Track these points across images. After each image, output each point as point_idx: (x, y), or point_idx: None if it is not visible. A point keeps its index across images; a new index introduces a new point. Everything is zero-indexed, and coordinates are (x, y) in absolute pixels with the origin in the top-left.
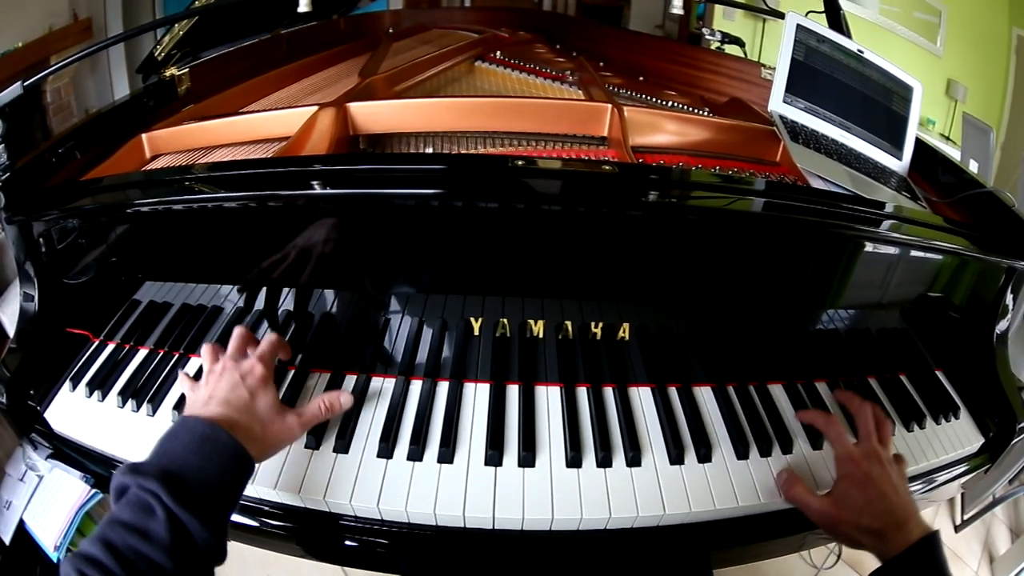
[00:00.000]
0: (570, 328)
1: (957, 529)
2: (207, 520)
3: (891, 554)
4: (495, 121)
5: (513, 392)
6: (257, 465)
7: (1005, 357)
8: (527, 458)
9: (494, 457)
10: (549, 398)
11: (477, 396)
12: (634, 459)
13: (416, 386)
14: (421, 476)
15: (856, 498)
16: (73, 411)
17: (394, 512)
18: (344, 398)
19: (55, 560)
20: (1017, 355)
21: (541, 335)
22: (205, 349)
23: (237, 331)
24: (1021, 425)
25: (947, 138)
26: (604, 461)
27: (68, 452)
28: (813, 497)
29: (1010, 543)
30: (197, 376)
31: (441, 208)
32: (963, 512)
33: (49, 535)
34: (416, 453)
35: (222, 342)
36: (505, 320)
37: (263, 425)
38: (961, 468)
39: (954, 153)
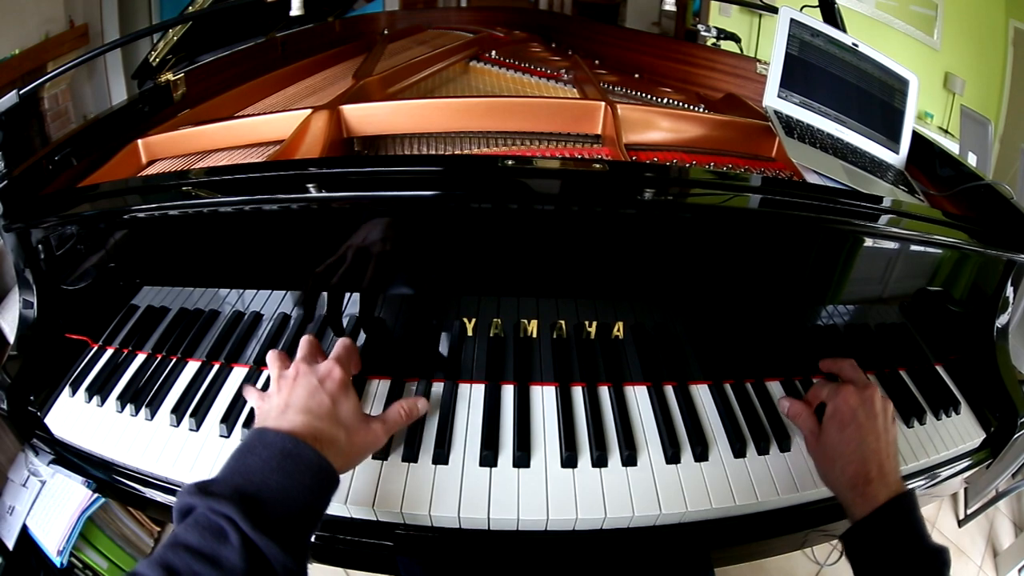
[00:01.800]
0: (564, 327)
1: (960, 524)
2: (288, 545)
3: (858, 515)
4: (489, 121)
5: (508, 392)
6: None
7: (1006, 351)
8: (522, 458)
9: (489, 457)
10: (544, 398)
11: (472, 396)
12: (630, 458)
13: (411, 387)
14: (416, 477)
15: (834, 434)
16: (73, 416)
17: (390, 513)
18: (421, 403)
19: (58, 565)
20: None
21: (535, 335)
22: (272, 356)
23: (306, 337)
24: (1022, 420)
25: (945, 131)
26: (599, 460)
27: (69, 457)
28: (811, 424)
29: (1014, 537)
30: (265, 386)
31: (434, 209)
32: (966, 507)
33: (52, 540)
34: (411, 455)
35: (218, 346)
36: (499, 320)
37: (348, 433)
38: (963, 463)
39: (952, 146)
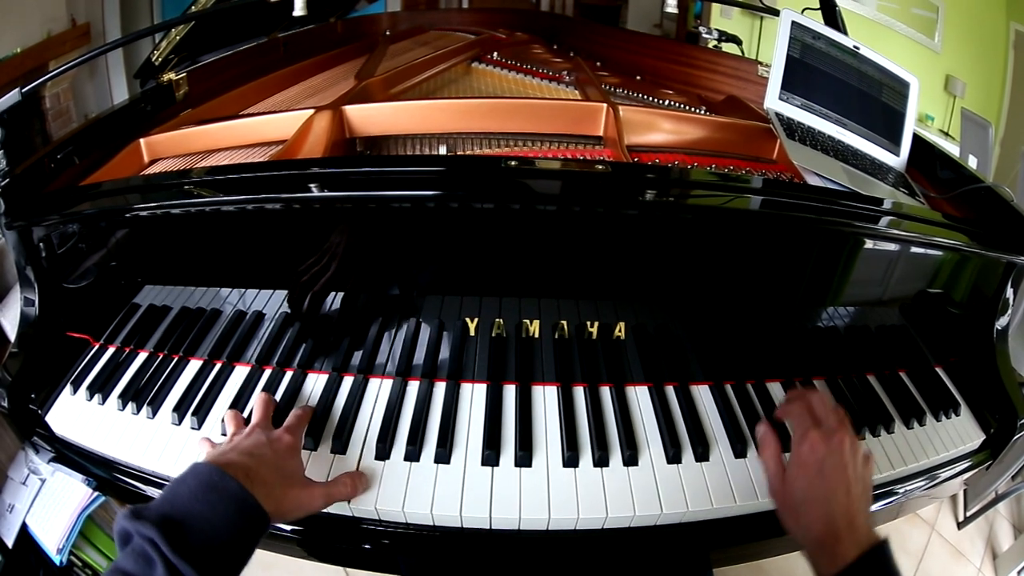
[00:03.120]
0: (566, 327)
1: (960, 526)
2: (209, 573)
3: (825, 574)
4: (491, 122)
5: (510, 392)
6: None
7: (1005, 353)
8: (524, 458)
9: (491, 457)
10: (546, 398)
11: (474, 396)
12: (631, 458)
13: (413, 387)
14: (418, 477)
15: (800, 489)
16: (74, 414)
17: (391, 512)
18: (364, 479)
19: (58, 563)
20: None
21: (537, 335)
22: (228, 415)
23: (262, 396)
24: (1022, 421)
25: (946, 134)
26: (601, 460)
27: (70, 455)
28: (775, 468)
29: (1013, 539)
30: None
31: (436, 209)
32: (966, 509)
33: (52, 538)
34: (413, 454)
35: (220, 345)
36: (501, 320)
37: (283, 484)
38: (963, 465)
39: (953, 149)
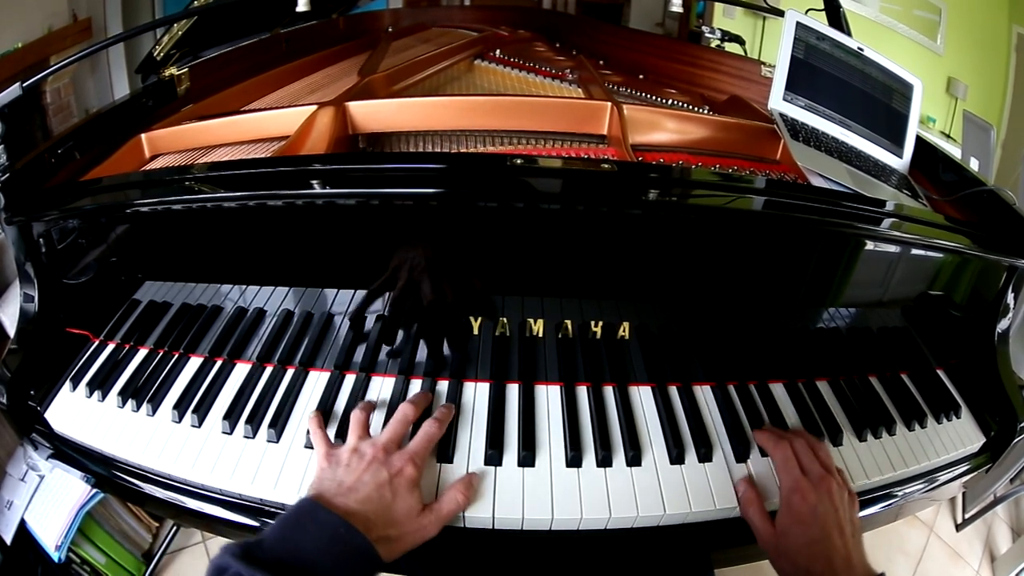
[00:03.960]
0: (570, 327)
1: (958, 528)
2: None
3: None
4: (494, 120)
5: (513, 391)
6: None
7: (1006, 356)
8: (527, 457)
9: (494, 456)
10: (549, 397)
11: (477, 395)
12: (634, 458)
13: (416, 385)
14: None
15: (796, 536)
16: (73, 411)
17: None
18: (474, 479)
19: (56, 560)
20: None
21: (541, 334)
22: (355, 419)
23: (401, 416)
24: (1022, 424)
25: (948, 136)
26: (604, 461)
27: (69, 452)
28: (763, 521)
29: (1011, 542)
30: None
31: (439, 207)
32: (964, 511)
33: (50, 535)
34: None
35: (221, 342)
36: (505, 319)
37: (399, 528)
38: (962, 467)
39: (955, 151)
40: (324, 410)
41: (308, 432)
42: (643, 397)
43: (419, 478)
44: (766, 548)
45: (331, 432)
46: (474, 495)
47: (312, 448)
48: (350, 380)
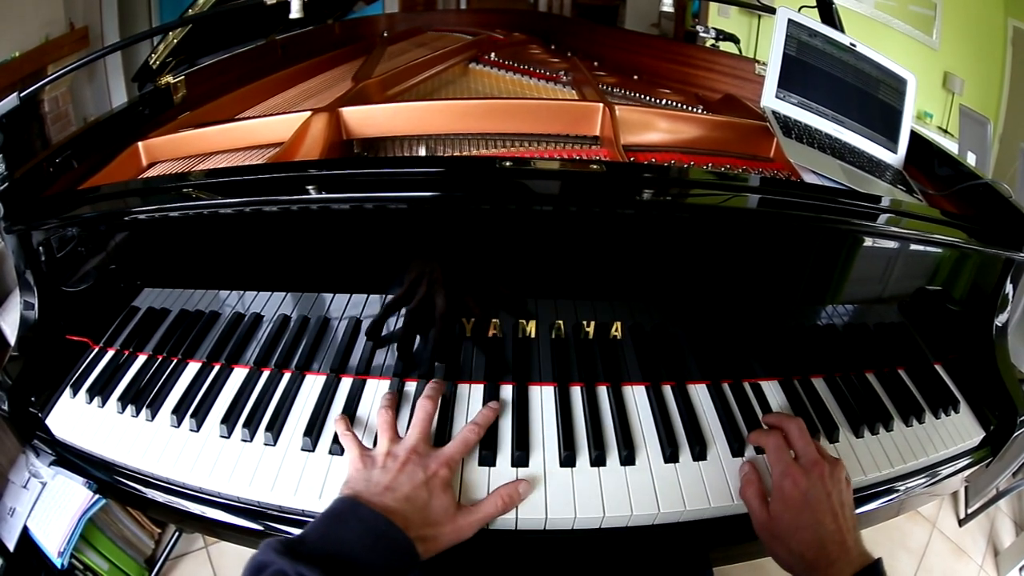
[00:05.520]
0: (563, 327)
1: (961, 523)
2: None
3: None
4: (488, 123)
5: (507, 392)
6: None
7: (1005, 350)
8: (521, 457)
9: (488, 457)
10: (543, 398)
11: (471, 396)
12: (628, 457)
13: (411, 388)
14: None
15: (788, 521)
16: (74, 417)
17: None
18: (523, 487)
19: (59, 566)
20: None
21: (534, 335)
22: (383, 422)
23: (423, 414)
24: (1022, 418)
25: (945, 131)
26: (598, 460)
27: (70, 458)
28: (758, 505)
29: (1014, 536)
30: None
31: (432, 210)
32: (967, 506)
33: (53, 541)
34: None
35: (219, 347)
36: (497, 320)
37: (436, 528)
38: (963, 462)
39: (952, 146)
40: (320, 412)
41: (335, 435)
42: (637, 396)
43: (452, 479)
44: (760, 534)
45: (328, 437)
46: (517, 503)
47: (310, 451)
48: (346, 383)
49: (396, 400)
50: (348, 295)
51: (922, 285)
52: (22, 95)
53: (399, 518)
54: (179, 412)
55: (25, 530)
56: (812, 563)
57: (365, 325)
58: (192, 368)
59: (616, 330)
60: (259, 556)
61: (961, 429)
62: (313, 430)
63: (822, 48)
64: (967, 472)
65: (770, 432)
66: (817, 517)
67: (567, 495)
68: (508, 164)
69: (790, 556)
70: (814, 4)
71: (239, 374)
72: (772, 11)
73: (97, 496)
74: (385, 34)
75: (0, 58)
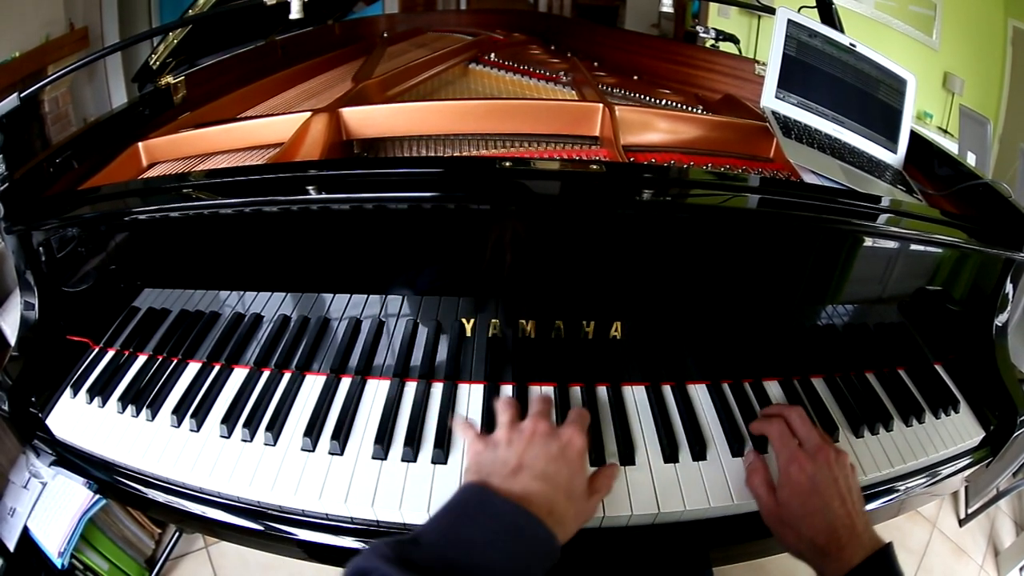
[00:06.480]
0: (562, 327)
1: (962, 523)
2: None
3: None
4: (488, 123)
5: (507, 392)
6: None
7: (1005, 349)
8: None
9: None
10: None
11: (471, 397)
12: (627, 457)
13: (411, 388)
14: (415, 478)
15: (796, 507)
16: (74, 417)
17: (389, 514)
18: (615, 470)
19: (59, 566)
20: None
21: (533, 335)
22: (502, 402)
23: (543, 396)
24: (1022, 418)
25: (945, 131)
26: (597, 460)
27: (70, 458)
28: (766, 493)
29: (1015, 536)
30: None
31: (432, 210)
32: (967, 506)
33: (53, 541)
34: (410, 455)
35: (219, 347)
36: (497, 320)
37: (576, 508)
38: (963, 462)
39: (952, 146)
40: (320, 412)
41: (334, 435)
42: (636, 396)
43: (586, 451)
44: (769, 521)
45: (327, 437)
46: (613, 484)
47: (310, 451)
48: (345, 383)
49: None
50: (348, 295)
51: (922, 285)
52: (22, 95)
53: (539, 501)
54: (179, 412)
55: (25, 530)
56: (823, 548)
57: (365, 325)
58: (192, 368)
59: (615, 330)
60: (360, 562)
61: (961, 429)
62: (313, 430)
63: (822, 48)
64: (967, 472)
65: (773, 420)
66: (826, 501)
67: None
68: (508, 164)
69: (800, 542)
70: (814, 4)
71: (239, 374)
72: (772, 11)
73: (97, 496)
74: (385, 35)
75: (0, 58)
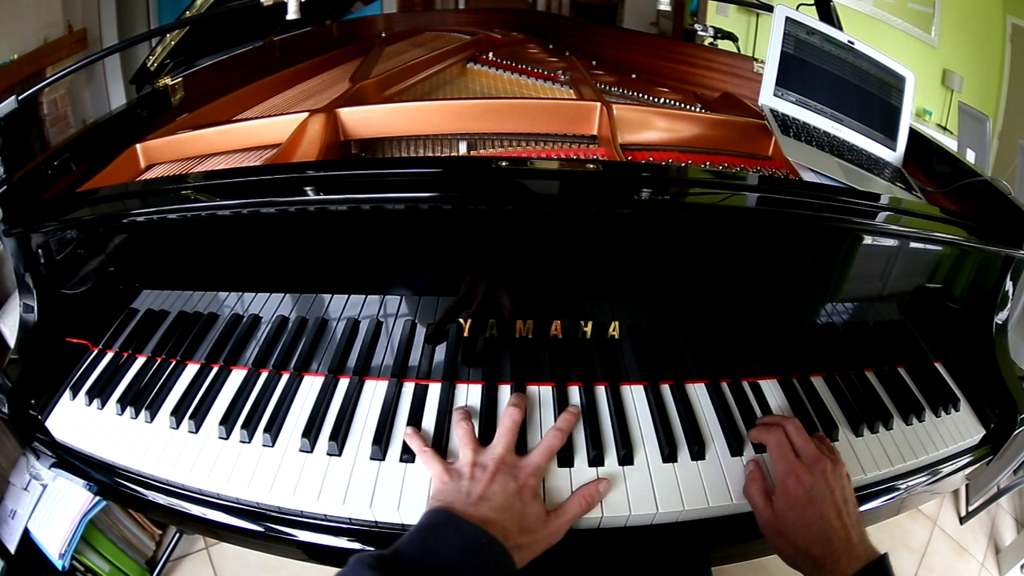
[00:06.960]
0: (560, 327)
1: (962, 521)
2: None
3: None
4: (485, 123)
5: (505, 392)
6: None
7: (1005, 347)
8: None
9: None
10: (541, 398)
11: (469, 397)
12: (626, 457)
13: (408, 388)
14: (413, 479)
15: (793, 518)
16: (74, 419)
17: (387, 514)
18: (603, 486)
19: (60, 568)
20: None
21: (531, 335)
22: (464, 434)
23: (510, 422)
24: (1022, 416)
25: (944, 128)
26: (596, 460)
27: (70, 460)
28: (763, 503)
29: (1015, 534)
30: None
31: (430, 211)
32: (968, 503)
33: (54, 543)
34: (409, 456)
35: (217, 348)
36: (495, 320)
37: (532, 535)
38: (964, 460)
39: (951, 143)
40: (318, 413)
41: (332, 436)
42: (635, 396)
43: (539, 488)
44: (765, 531)
45: (326, 434)
46: (599, 498)
47: (308, 452)
48: (344, 384)
49: (470, 413)
50: (346, 296)
51: (922, 283)
52: (21, 98)
53: (496, 528)
54: (178, 413)
55: (26, 532)
56: (818, 560)
57: (363, 326)
58: (191, 369)
59: (614, 329)
60: (348, 572)
61: (961, 427)
62: (311, 431)
63: (820, 46)
64: (968, 470)
65: (772, 429)
66: (822, 513)
67: (565, 495)
68: (505, 164)
69: (796, 553)
70: (812, 2)
71: (238, 375)
72: (770, 9)
73: (98, 498)
74: (383, 34)
75: None
